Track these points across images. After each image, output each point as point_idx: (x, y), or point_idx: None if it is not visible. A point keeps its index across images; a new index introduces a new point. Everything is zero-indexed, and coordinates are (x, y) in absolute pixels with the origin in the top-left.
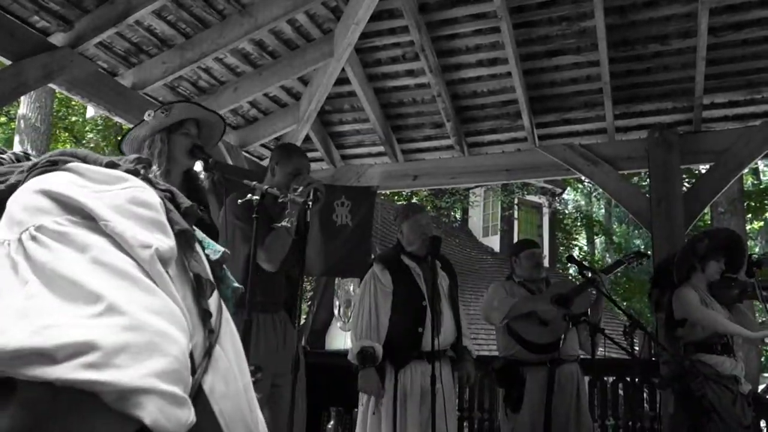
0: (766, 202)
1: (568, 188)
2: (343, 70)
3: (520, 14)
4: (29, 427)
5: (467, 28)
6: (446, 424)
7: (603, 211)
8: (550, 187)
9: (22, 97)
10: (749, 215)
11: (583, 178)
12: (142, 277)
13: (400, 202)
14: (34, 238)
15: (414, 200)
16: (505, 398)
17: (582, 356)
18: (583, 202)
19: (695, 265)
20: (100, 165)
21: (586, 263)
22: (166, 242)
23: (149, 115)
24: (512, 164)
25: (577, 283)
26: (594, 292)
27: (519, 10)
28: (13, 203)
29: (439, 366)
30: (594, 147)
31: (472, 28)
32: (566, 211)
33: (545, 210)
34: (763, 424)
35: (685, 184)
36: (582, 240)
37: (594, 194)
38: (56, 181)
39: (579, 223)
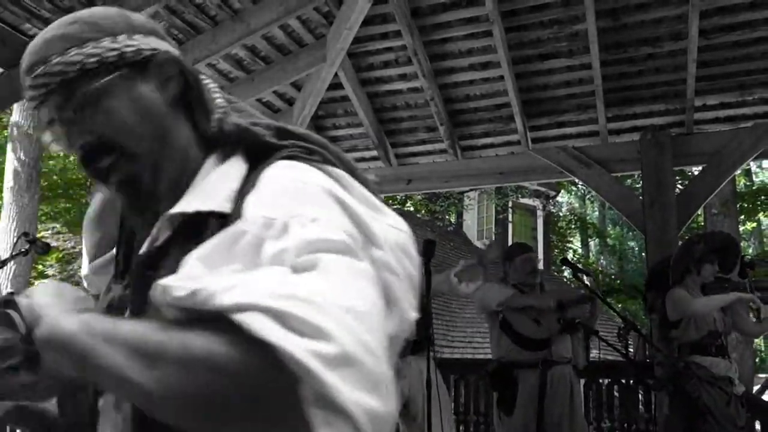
0: (758, 203)
1: (562, 191)
2: (336, 75)
3: (512, 18)
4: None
5: (459, 32)
6: (441, 421)
7: (597, 213)
8: (543, 189)
9: (15, 105)
10: (742, 216)
11: (576, 180)
12: (384, 322)
13: (394, 206)
14: (303, 226)
15: (408, 204)
16: (498, 401)
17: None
18: (576, 205)
19: (690, 268)
20: (371, 190)
21: (579, 266)
22: (415, 308)
23: None
24: (506, 167)
25: (573, 286)
26: (589, 305)
27: (511, 14)
28: (282, 184)
29: (435, 365)
30: (587, 149)
31: (464, 32)
32: (560, 214)
33: (539, 213)
34: (757, 425)
35: (678, 186)
36: (576, 242)
37: (588, 197)
38: (329, 182)
39: (573, 226)
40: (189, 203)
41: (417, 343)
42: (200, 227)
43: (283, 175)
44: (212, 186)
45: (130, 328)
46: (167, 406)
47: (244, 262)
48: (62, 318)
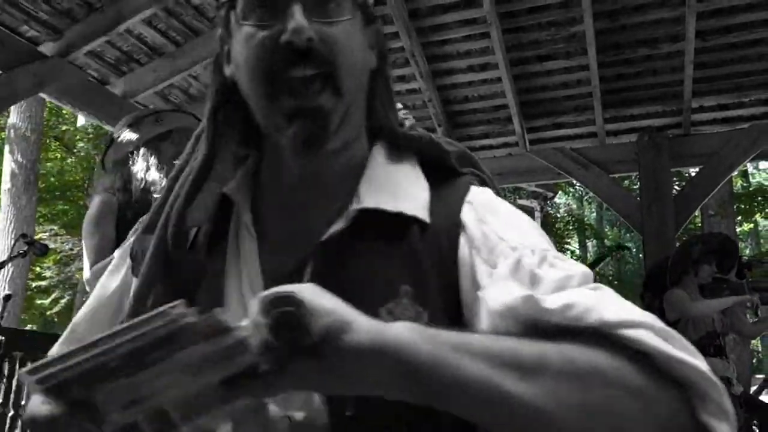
0: (755, 204)
1: (560, 192)
2: None
3: (510, 19)
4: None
5: (457, 34)
6: None
7: (594, 214)
8: (541, 191)
9: (12, 107)
10: (739, 218)
11: (574, 181)
12: None
13: None
14: (564, 259)
15: None
16: None
17: None
18: (574, 206)
19: (688, 269)
20: None
21: None
22: None
23: (128, 124)
24: (504, 168)
25: None
26: None
27: (509, 16)
28: (512, 214)
29: None
30: (585, 151)
31: (462, 34)
32: (558, 215)
33: (537, 214)
34: (755, 425)
35: (675, 187)
36: (574, 243)
37: (585, 198)
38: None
39: (571, 227)
40: (385, 200)
41: None
42: (394, 228)
43: (506, 205)
44: (404, 189)
45: (479, 337)
46: (558, 421)
47: (523, 285)
48: (385, 326)
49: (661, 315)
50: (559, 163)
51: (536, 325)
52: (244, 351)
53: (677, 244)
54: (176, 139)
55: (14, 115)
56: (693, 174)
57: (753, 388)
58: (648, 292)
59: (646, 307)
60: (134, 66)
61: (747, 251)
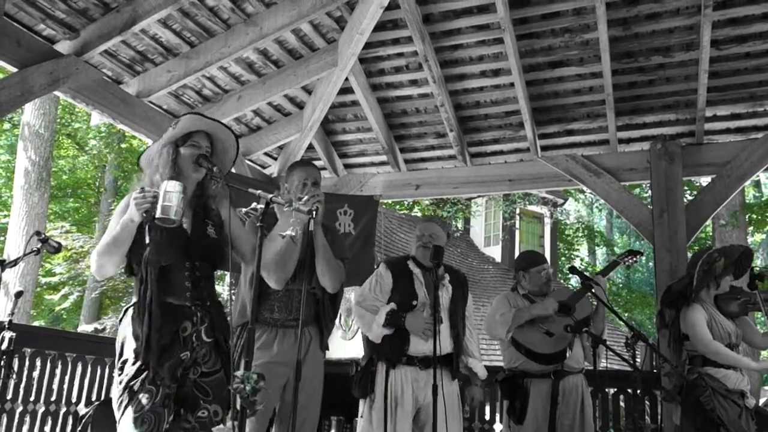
0: (767, 214)
1: (570, 198)
2: (346, 79)
3: (524, 25)
4: None
5: (471, 39)
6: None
7: (604, 221)
8: (551, 197)
9: (26, 105)
10: (751, 228)
11: (584, 188)
12: None
13: (402, 212)
14: None
15: (416, 210)
16: (508, 410)
17: (587, 367)
18: (584, 213)
19: (710, 284)
20: None
21: (587, 274)
22: None
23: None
24: (515, 174)
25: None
26: (594, 301)
27: (522, 22)
28: None
29: (440, 374)
30: (596, 158)
31: (475, 39)
32: (567, 222)
33: (547, 220)
34: None
35: (687, 196)
36: (583, 251)
37: (596, 205)
38: None
39: (580, 234)
40: None
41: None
42: None
43: None
44: None
45: None
46: None
47: None
48: None
49: (678, 328)
50: (570, 170)
51: None
52: None
53: (689, 255)
54: (200, 143)
55: (28, 113)
56: (705, 183)
57: (762, 400)
58: (671, 309)
59: (667, 323)
60: (149, 66)
61: (758, 262)
